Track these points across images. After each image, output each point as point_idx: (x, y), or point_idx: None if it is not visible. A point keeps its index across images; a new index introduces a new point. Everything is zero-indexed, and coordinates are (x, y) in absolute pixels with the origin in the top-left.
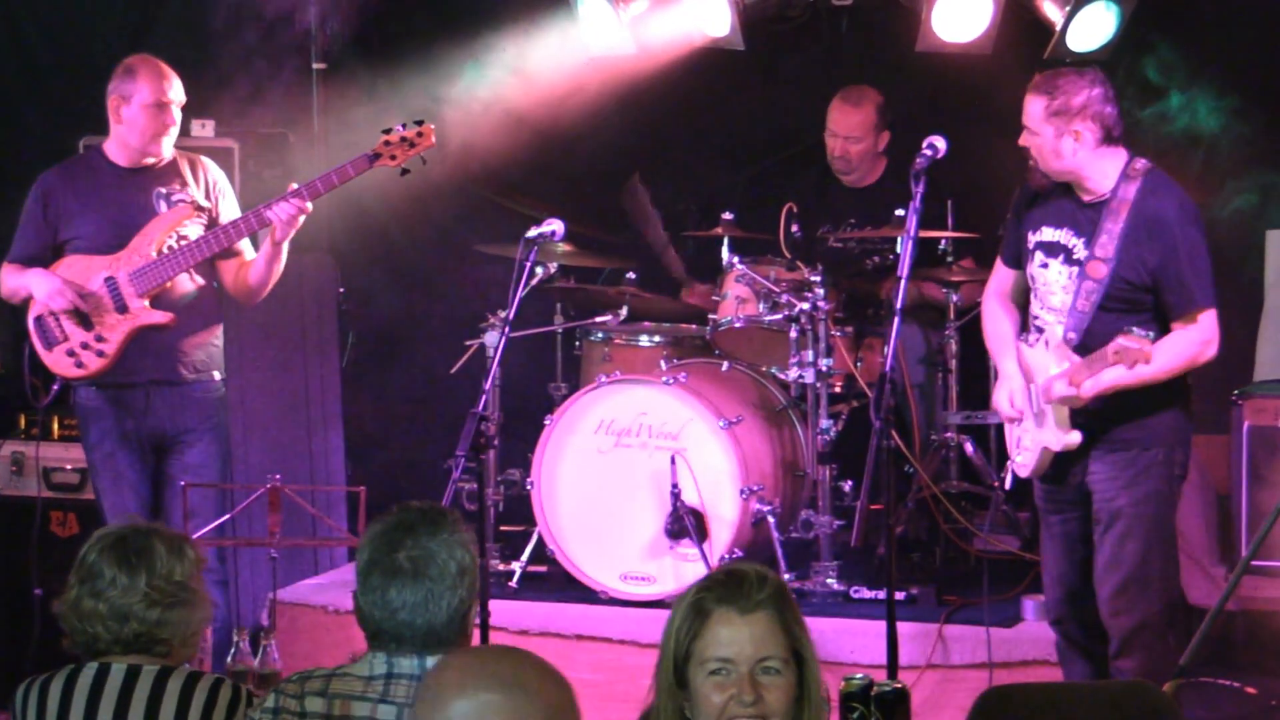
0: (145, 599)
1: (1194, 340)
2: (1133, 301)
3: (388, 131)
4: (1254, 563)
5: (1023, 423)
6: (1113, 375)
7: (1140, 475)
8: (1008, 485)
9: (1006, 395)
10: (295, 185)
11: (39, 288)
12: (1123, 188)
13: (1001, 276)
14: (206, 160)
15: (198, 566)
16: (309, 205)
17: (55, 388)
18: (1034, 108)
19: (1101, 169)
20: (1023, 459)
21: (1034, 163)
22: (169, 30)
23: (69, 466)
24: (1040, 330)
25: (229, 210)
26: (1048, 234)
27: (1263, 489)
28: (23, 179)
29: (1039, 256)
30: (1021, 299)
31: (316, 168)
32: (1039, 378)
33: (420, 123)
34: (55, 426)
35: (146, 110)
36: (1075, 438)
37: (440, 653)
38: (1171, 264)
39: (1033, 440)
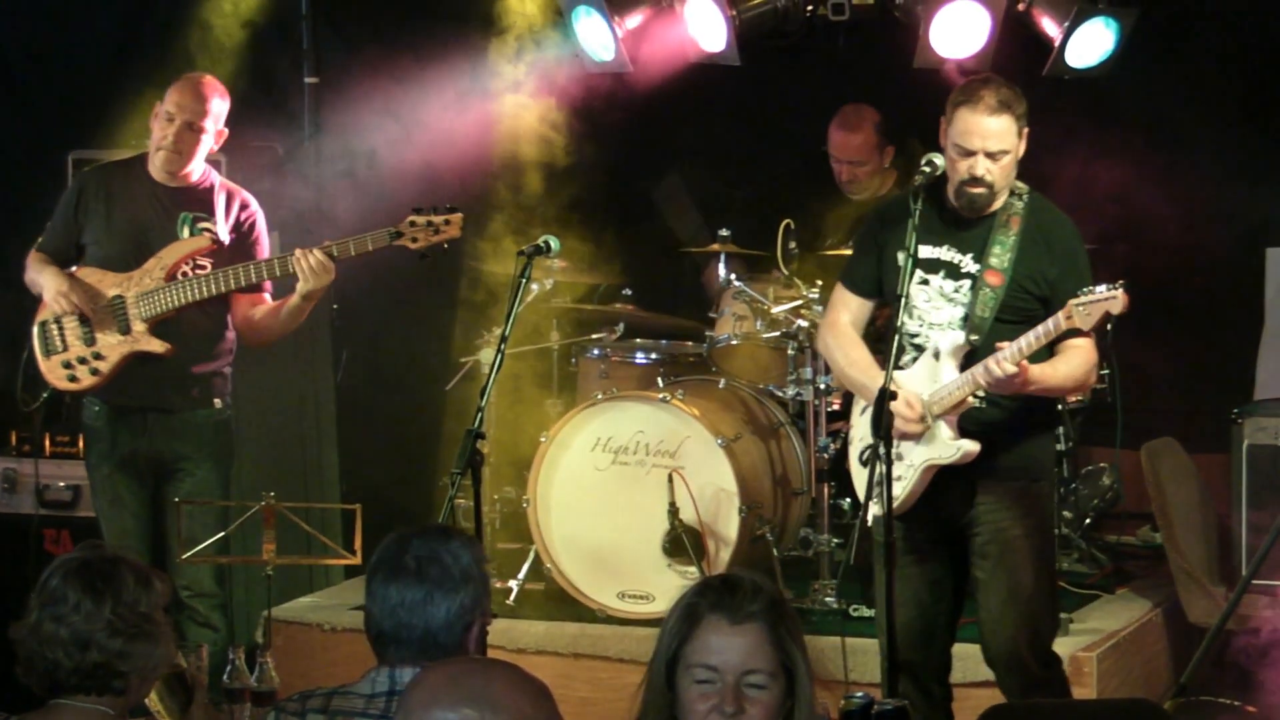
0: (109, 627)
1: (1090, 357)
2: (1028, 314)
3: (417, 211)
4: (1254, 581)
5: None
6: (1040, 376)
7: (1032, 506)
8: (870, 522)
9: (903, 400)
10: (328, 243)
11: (48, 286)
12: (1010, 204)
13: (854, 306)
14: (246, 195)
15: (164, 600)
16: (333, 266)
17: (45, 395)
18: (1001, 125)
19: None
20: (894, 493)
21: (983, 190)
22: (155, 45)
23: (62, 483)
24: (920, 349)
25: (259, 248)
26: (924, 251)
27: (1262, 507)
28: (10, 195)
29: (916, 274)
30: (862, 331)
31: (307, 182)
32: (925, 393)
33: (451, 210)
34: (47, 443)
35: (156, 120)
36: (975, 445)
37: None
38: (1071, 279)
39: (911, 465)
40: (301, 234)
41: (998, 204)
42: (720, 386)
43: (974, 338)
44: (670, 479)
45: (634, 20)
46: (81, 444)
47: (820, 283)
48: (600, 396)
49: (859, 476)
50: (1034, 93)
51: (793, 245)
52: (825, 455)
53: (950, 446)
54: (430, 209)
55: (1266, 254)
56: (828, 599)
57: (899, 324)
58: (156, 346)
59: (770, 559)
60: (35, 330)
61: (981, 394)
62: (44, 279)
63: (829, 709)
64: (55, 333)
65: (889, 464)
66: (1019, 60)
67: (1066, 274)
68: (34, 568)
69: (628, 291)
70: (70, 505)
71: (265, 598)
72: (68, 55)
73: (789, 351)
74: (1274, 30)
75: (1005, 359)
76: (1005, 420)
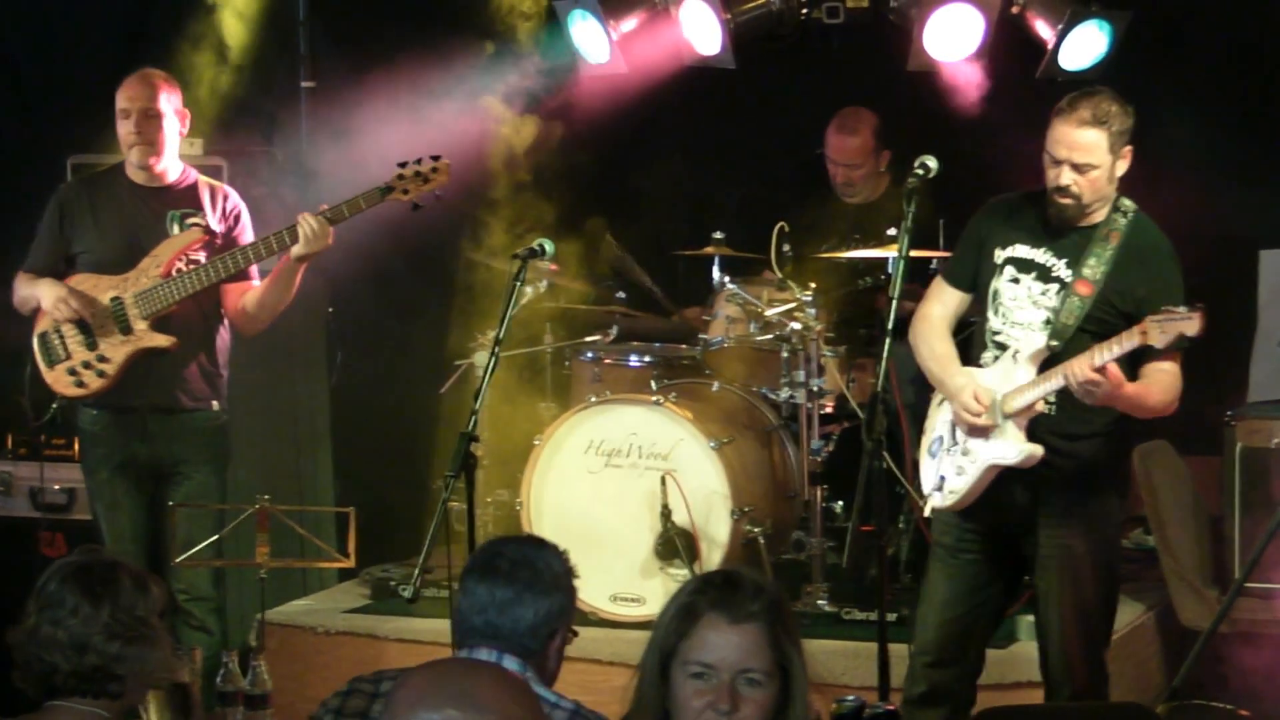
0: (106, 630)
1: (1176, 383)
2: (1111, 328)
3: (402, 165)
4: (1247, 584)
5: (949, 453)
6: (1131, 391)
7: (1097, 520)
8: (927, 513)
9: (971, 394)
10: (324, 207)
11: (46, 296)
12: (1113, 219)
13: (947, 299)
14: (228, 188)
15: (160, 605)
16: (332, 230)
17: (55, 406)
18: (1090, 138)
19: (1110, 195)
20: (954, 486)
21: (1071, 201)
22: (157, 49)
23: (57, 486)
24: (1001, 347)
25: (246, 239)
26: (1022, 251)
27: (1255, 510)
28: (10, 199)
29: (1009, 271)
30: (954, 329)
31: (304, 186)
32: (999, 392)
33: (437, 158)
34: (43, 446)
35: (118, 121)
36: (1039, 449)
37: (519, 659)
38: (1159, 301)
39: (975, 461)
40: None
41: (1098, 217)
42: (713, 389)
43: (1054, 343)
44: (663, 481)
45: (629, 23)
46: (77, 447)
47: (814, 285)
48: (593, 399)
49: (926, 468)
50: (1027, 95)
51: (786, 248)
52: (818, 458)
53: (1015, 448)
54: (416, 160)
55: (1260, 256)
56: (820, 602)
57: (983, 320)
58: (162, 341)
59: (762, 562)
60: (35, 342)
61: (1052, 400)
62: (39, 290)
63: (820, 712)
64: (56, 342)
65: (879, 466)
66: (1012, 63)
67: (1155, 295)
68: (30, 570)
69: (621, 294)
70: (65, 508)
71: (259, 601)
72: (69, 60)
73: (782, 354)
74: (1266, 32)
75: (1083, 364)
76: (1075, 432)
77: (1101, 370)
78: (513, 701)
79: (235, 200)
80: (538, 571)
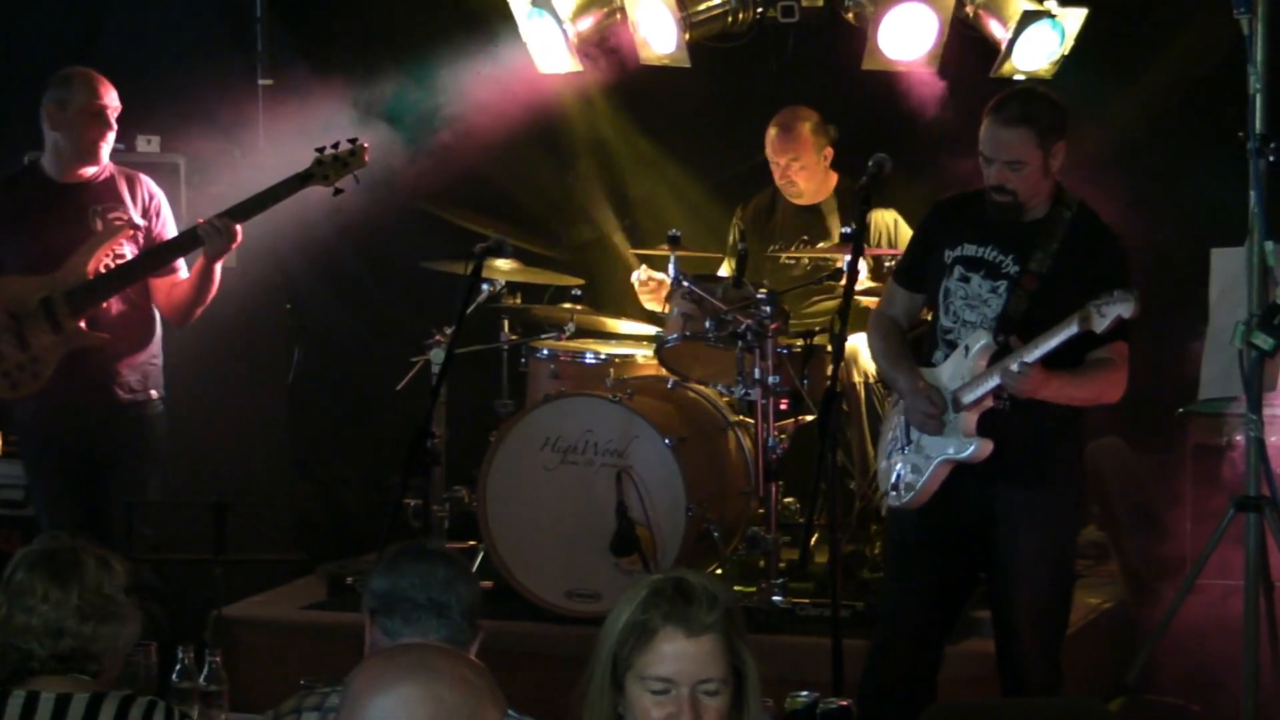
0: (78, 612)
1: (1114, 373)
2: (1061, 319)
3: (320, 150)
4: (1198, 581)
5: (904, 452)
6: (1058, 383)
7: (1054, 515)
8: (884, 513)
9: (926, 396)
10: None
11: None
12: (1056, 210)
13: (899, 300)
14: (145, 177)
15: (123, 581)
16: (238, 227)
17: None
18: (1016, 136)
19: (1049, 189)
20: (911, 485)
21: (1008, 199)
22: (113, 46)
23: (13, 483)
24: (952, 345)
25: (167, 228)
26: (970, 250)
27: (1207, 507)
28: None
29: (958, 270)
30: (908, 326)
31: (262, 184)
32: (950, 389)
33: (354, 141)
34: None
35: (83, 116)
36: (988, 445)
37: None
38: (1109, 287)
39: (929, 458)
40: (260, 234)
41: (1040, 212)
42: (669, 386)
43: (1002, 338)
44: (618, 478)
45: (585, 23)
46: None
47: (767, 283)
48: (550, 396)
49: (881, 469)
50: (982, 95)
51: (742, 245)
52: (773, 454)
53: (966, 443)
54: (333, 144)
55: (1211, 254)
56: (774, 598)
57: (934, 320)
58: (93, 341)
59: (717, 558)
60: None
61: (1005, 396)
62: None
63: (774, 709)
64: None
65: (832, 460)
66: (968, 62)
67: (1103, 283)
68: None
69: (577, 291)
70: (22, 504)
71: (214, 597)
72: (25, 57)
73: (738, 351)
74: (1219, 30)
75: (1019, 359)
76: (1028, 427)
77: (1029, 364)
78: (468, 668)
79: (152, 187)
80: (460, 558)
